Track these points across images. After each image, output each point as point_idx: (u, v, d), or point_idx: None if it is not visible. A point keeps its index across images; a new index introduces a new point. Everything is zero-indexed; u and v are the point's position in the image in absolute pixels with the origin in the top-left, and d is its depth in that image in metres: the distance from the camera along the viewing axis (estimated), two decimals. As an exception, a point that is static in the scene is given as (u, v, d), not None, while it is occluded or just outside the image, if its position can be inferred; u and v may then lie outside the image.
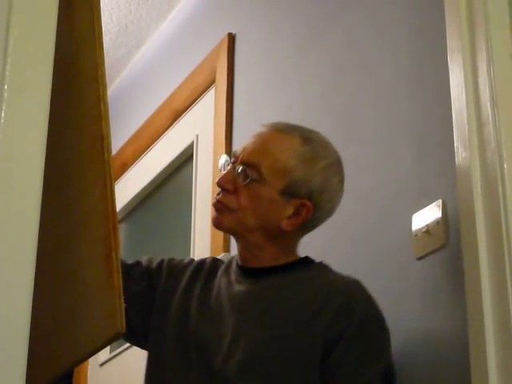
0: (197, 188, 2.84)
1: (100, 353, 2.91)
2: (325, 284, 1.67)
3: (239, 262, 1.75)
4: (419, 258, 1.81)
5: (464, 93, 1.73)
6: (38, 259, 1.12)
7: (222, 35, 2.84)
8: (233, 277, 1.74)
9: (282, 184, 1.69)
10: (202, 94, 2.92)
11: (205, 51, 2.94)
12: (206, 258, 1.86)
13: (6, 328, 1.07)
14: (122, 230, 3.40)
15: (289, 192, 1.69)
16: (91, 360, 3.12)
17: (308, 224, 1.74)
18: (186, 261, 1.84)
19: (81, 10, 1.40)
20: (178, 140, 3.06)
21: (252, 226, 1.70)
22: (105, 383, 3.13)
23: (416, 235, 1.82)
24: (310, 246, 1.80)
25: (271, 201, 1.70)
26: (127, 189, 3.32)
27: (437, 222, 1.77)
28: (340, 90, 2.22)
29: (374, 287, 1.75)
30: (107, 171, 1.27)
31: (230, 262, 1.80)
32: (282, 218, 1.70)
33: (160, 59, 3.38)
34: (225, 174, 1.73)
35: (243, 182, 1.69)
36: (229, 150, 2.63)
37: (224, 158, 1.79)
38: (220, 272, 1.78)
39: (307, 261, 1.75)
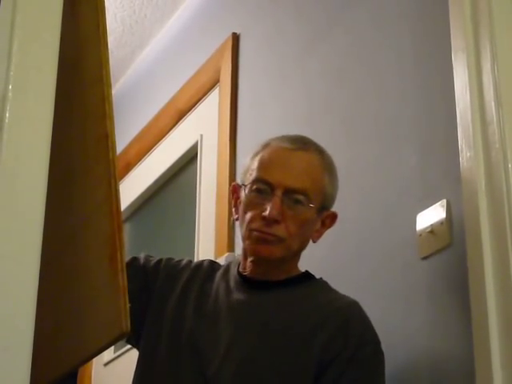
0: (201, 188, 2.84)
1: (104, 352, 2.91)
2: (324, 303, 1.68)
3: (243, 271, 1.74)
4: (424, 258, 1.81)
5: (468, 92, 1.73)
6: (42, 259, 1.12)
7: (227, 35, 2.84)
8: (232, 284, 1.73)
9: (319, 203, 1.71)
10: (206, 93, 2.92)
11: (209, 51, 2.94)
12: (203, 261, 1.85)
13: (11, 328, 1.07)
14: (126, 230, 3.40)
15: (322, 208, 1.72)
16: (95, 360, 3.12)
17: None
18: (184, 262, 1.83)
19: (85, 9, 1.40)
20: (182, 140, 3.06)
21: (296, 250, 1.72)
22: (109, 383, 3.14)
23: (420, 235, 1.82)
24: (314, 246, 1.80)
25: (312, 221, 1.72)
26: (131, 188, 3.32)
27: (441, 222, 1.77)
28: (344, 89, 2.22)
29: (379, 287, 1.76)
30: (112, 171, 1.27)
31: (229, 266, 1.79)
32: (314, 232, 1.73)
33: (164, 59, 3.38)
34: (274, 205, 1.66)
35: (293, 207, 1.67)
36: (233, 149, 2.63)
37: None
38: (218, 276, 1.77)
39: (307, 276, 1.76)
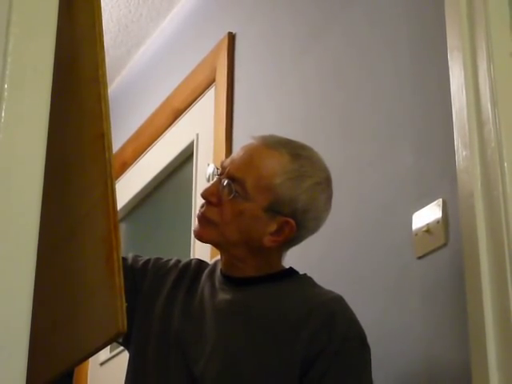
0: (197, 187, 2.84)
1: (100, 352, 2.91)
2: (308, 298, 1.66)
3: (223, 270, 1.74)
4: (419, 258, 1.81)
5: (464, 92, 1.73)
6: (38, 258, 1.12)
7: (222, 34, 2.84)
8: (217, 284, 1.73)
9: (266, 201, 1.67)
10: (202, 93, 2.92)
11: (205, 50, 2.94)
12: (191, 260, 1.84)
13: (7, 327, 1.07)
14: (122, 229, 3.40)
15: (273, 209, 1.67)
16: (91, 359, 3.12)
17: (290, 241, 1.72)
18: (172, 262, 1.82)
19: (81, 8, 1.40)
20: (178, 139, 3.06)
21: (234, 241, 1.68)
22: (105, 382, 3.13)
23: (416, 234, 1.82)
24: (310, 245, 1.80)
25: (254, 217, 1.67)
26: (127, 188, 3.32)
27: (437, 221, 1.77)
28: (340, 89, 2.22)
29: (375, 286, 1.76)
30: (108, 170, 1.27)
31: (214, 266, 1.79)
32: (264, 235, 1.68)
33: (160, 58, 3.38)
34: (210, 187, 1.70)
35: (228, 196, 1.67)
36: (229, 149, 2.63)
37: (212, 167, 1.75)
38: (204, 276, 1.77)
39: (291, 272, 1.74)
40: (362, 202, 2.03)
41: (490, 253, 1.61)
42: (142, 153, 3.29)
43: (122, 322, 1.18)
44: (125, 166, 3.37)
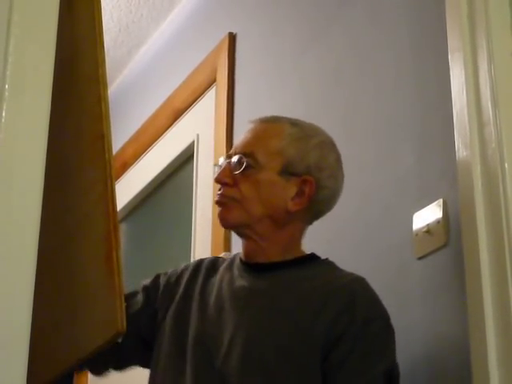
0: (197, 187, 2.84)
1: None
2: (328, 281, 1.66)
3: (243, 258, 1.74)
4: (420, 258, 1.81)
5: (465, 92, 1.73)
6: (38, 258, 1.12)
7: (223, 35, 2.84)
8: (236, 272, 1.73)
9: (278, 165, 1.70)
10: (202, 93, 2.92)
11: (205, 51, 2.94)
12: (204, 259, 1.85)
13: (7, 327, 1.07)
14: (123, 230, 3.40)
15: (287, 171, 1.70)
16: (92, 359, 3.12)
17: (314, 208, 1.73)
18: (183, 266, 1.82)
19: (82, 9, 1.40)
20: (178, 140, 3.06)
21: (259, 215, 1.69)
22: (106, 382, 3.13)
23: (417, 235, 1.82)
24: (310, 245, 1.80)
25: (272, 184, 1.70)
26: (128, 188, 3.32)
27: (437, 222, 1.77)
28: (341, 89, 2.22)
29: (375, 287, 1.75)
30: (108, 170, 1.27)
31: (233, 258, 1.79)
32: (286, 200, 1.69)
33: (161, 59, 3.38)
34: (221, 170, 1.73)
35: (240, 170, 1.69)
36: (229, 149, 2.63)
37: (222, 159, 1.79)
38: (222, 269, 1.77)
39: (313, 257, 1.74)
40: (363, 202, 2.03)
41: (490, 253, 1.60)
42: (143, 153, 3.29)
43: (122, 322, 1.18)
44: (125, 167, 3.37)
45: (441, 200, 1.78)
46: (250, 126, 1.77)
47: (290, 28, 2.53)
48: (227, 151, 2.62)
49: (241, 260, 1.75)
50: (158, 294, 1.77)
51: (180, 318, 1.71)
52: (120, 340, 1.75)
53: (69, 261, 1.33)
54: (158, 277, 1.81)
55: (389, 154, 1.99)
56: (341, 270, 1.71)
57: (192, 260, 2.76)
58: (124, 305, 1.21)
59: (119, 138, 3.34)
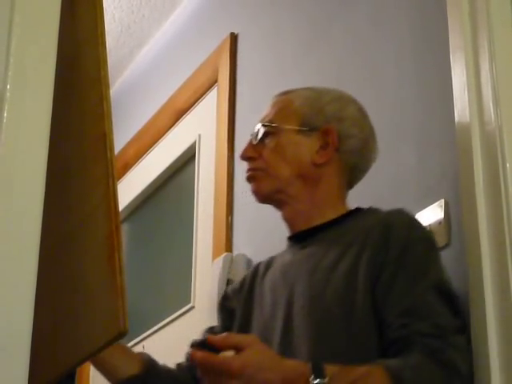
0: (199, 188, 2.84)
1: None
2: (368, 222, 1.65)
3: (289, 232, 1.75)
4: (422, 258, 1.80)
5: (466, 91, 1.73)
6: (40, 259, 1.12)
7: (225, 35, 2.84)
8: (286, 254, 1.75)
9: (296, 123, 1.72)
10: (204, 93, 2.93)
11: (207, 51, 2.94)
12: (260, 262, 1.85)
13: (8, 328, 1.07)
14: (125, 230, 3.40)
15: (306, 126, 1.72)
16: (93, 360, 3.11)
17: (346, 160, 1.73)
18: (240, 280, 1.85)
19: (83, 9, 1.40)
20: (180, 140, 3.06)
21: (288, 177, 1.70)
22: (107, 383, 3.13)
23: (418, 235, 1.81)
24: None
25: (293, 143, 1.72)
26: (129, 189, 3.32)
27: (439, 222, 1.77)
28: (342, 88, 2.21)
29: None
30: (110, 170, 1.26)
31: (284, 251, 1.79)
32: (312, 155, 1.71)
33: (162, 59, 3.38)
34: (244, 148, 1.77)
35: (259, 139, 1.73)
36: (231, 149, 2.63)
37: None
38: (277, 258, 1.77)
39: (358, 210, 1.73)
40: (364, 202, 2.02)
41: (492, 253, 1.60)
42: (144, 153, 3.29)
43: (124, 323, 1.18)
44: (127, 167, 3.38)
45: (442, 200, 1.78)
46: (270, 101, 1.82)
47: (291, 28, 2.53)
48: (229, 151, 2.63)
49: (288, 238, 1.76)
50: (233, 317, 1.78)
51: (244, 321, 1.73)
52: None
53: (70, 261, 1.32)
54: (222, 304, 1.84)
55: (390, 155, 1.99)
56: (382, 211, 1.69)
57: (193, 260, 2.77)
58: (126, 305, 1.21)
59: (121, 138, 3.34)
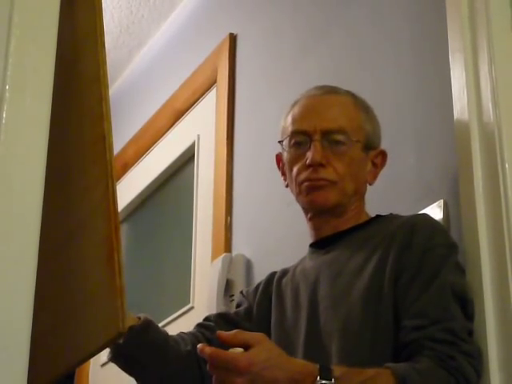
0: (198, 188, 2.84)
1: (101, 353, 2.91)
2: (392, 227, 1.64)
3: (312, 239, 1.74)
4: (421, 259, 1.80)
5: (465, 93, 1.73)
6: (39, 259, 1.12)
7: (224, 35, 2.84)
8: (307, 260, 1.74)
9: (362, 140, 1.71)
10: (203, 94, 2.93)
11: (206, 51, 2.94)
12: (273, 272, 1.84)
13: (8, 328, 1.07)
14: (124, 231, 3.40)
15: (368, 146, 1.72)
16: (93, 360, 3.12)
17: None
18: (251, 287, 1.84)
19: (82, 10, 1.40)
20: (179, 140, 3.06)
21: (352, 192, 1.70)
22: (106, 383, 3.13)
23: (418, 235, 1.81)
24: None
25: (360, 160, 1.71)
26: (128, 189, 3.32)
27: (438, 222, 1.77)
28: (341, 90, 2.22)
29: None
30: (109, 171, 1.26)
31: (303, 258, 1.79)
32: (366, 174, 1.73)
33: (161, 59, 3.38)
34: (315, 151, 1.67)
35: (335, 148, 1.67)
36: (230, 150, 2.63)
37: (287, 138, 1.73)
38: (291, 269, 1.77)
39: (378, 217, 1.74)
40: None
41: (491, 254, 1.60)
42: (144, 154, 3.29)
43: (123, 323, 1.18)
44: (126, 168, 3.38)
45: (441, 201, 1.78)
46: (318, 97, 1.74)
47: (290, 28, 2.53)
48: (228, 151, 2.63)
49: (309, 246, 1.75)
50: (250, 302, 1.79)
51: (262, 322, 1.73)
52: (121, 341, 1.75)
53: (70, 261, 1.33)
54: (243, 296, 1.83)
55: (389, 155, 1.99)
56: (404, 216, 1.69)
57: (192, 260, 2.76)
58: (126, 305, 1.21)
59: (120, 138, 3.34)
